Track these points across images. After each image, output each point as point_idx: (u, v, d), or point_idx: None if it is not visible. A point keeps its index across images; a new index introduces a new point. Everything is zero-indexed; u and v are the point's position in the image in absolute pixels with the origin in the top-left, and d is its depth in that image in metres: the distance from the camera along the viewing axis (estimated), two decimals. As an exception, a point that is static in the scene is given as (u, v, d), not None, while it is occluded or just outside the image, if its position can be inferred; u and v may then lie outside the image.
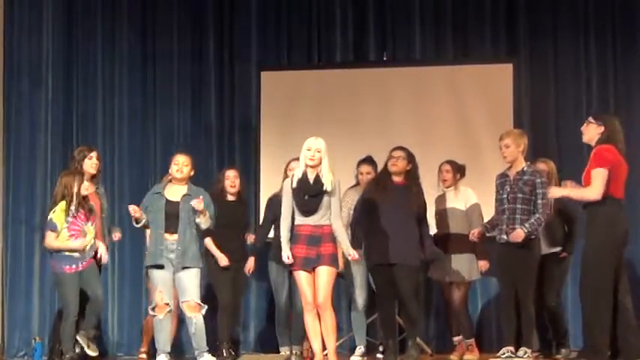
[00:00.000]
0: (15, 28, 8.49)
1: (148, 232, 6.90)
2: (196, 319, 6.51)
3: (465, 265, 7.24)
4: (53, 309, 8.16)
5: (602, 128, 5.91)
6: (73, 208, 6.73)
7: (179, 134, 8.85)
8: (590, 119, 6.02)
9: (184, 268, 6.53)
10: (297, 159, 7.09)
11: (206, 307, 6.58)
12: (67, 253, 6.74)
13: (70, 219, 6.75)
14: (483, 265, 7.24)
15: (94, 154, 7.21)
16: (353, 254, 6.26)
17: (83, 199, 6.80)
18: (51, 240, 6.75)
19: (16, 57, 8.48)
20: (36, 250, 8.27)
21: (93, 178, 7.14)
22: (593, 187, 5.71)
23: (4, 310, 8.30)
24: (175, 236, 6.54)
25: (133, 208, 6.52)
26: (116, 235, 7.42)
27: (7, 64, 8.47)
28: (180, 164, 6.66)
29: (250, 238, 7.58)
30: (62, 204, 6.75)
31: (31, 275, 8.31)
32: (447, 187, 7.39)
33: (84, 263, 6.78)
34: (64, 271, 6.72)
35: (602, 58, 8.47)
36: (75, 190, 6.75)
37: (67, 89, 8.65)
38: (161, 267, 6.52)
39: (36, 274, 8.30)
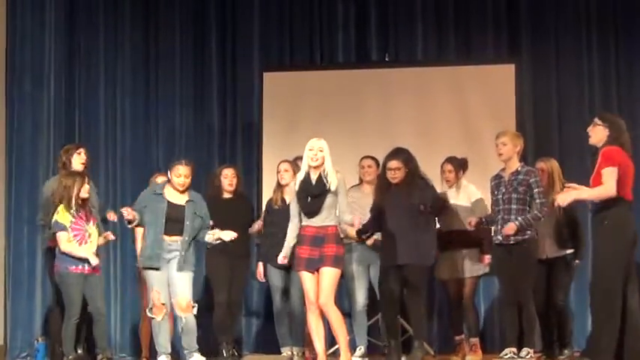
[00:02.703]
0: (17, 29, 8.52)
1: (140, 230, 6.87)
2: (186, 318, 6.45)
3: (473, 260, 7.24)
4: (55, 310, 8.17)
5: (609, 130, 5.84)
6: (73, 210, 6.72)
7: (181, 135, 8.86)
8: (597, 121, 5.88)
9: (181, 270, 6.50)
10: (286, 161, 7.14)
11: (196, 305, 6.52)
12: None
13: (72, 219, 6.73)
14: (487, 259, 7.22)
15: (82, 149, 7.22)
16: (353, 221, 6.17)
17: (82, 202, 6.78)
18: (64, 241, 6.69)
19: (19, 57, 8.51)
20: (38, 250, 8.26)
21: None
22: (607, 185, 5.63)
23: (7, 311, 8.31)
24: (175, 238, 6.50)
25: (127, 211, 6.48)
26: (110, 216, 7.34)
27: (9, 64, 8.49)
28: (183, 178, 6.57)
29: (257, 226, 7.41)
30: (62, 206, 6.72)
31: (33, 275, 8.32)
32: (451, 187, 7.39)
33: (89, 267, 6.77)
34: (69, 271, 6.70)
35: (605, 58, 8.48)
36: (74, 192, 6.73)
37: (69, 90, 8.67)
38: (157, 269, 6.50)
39: (38, 274, 8.30)
